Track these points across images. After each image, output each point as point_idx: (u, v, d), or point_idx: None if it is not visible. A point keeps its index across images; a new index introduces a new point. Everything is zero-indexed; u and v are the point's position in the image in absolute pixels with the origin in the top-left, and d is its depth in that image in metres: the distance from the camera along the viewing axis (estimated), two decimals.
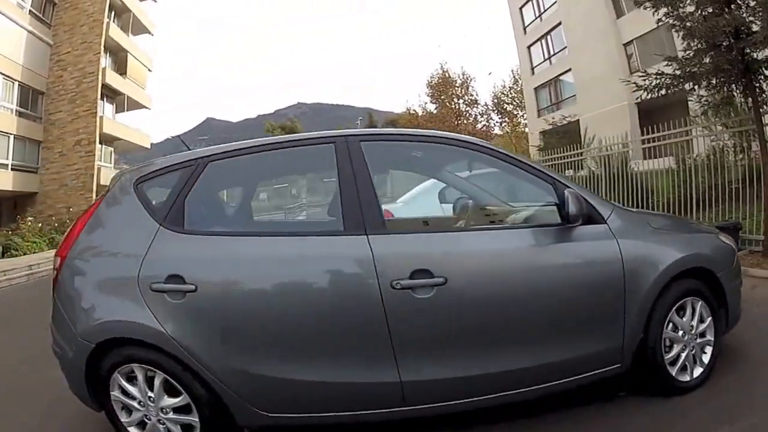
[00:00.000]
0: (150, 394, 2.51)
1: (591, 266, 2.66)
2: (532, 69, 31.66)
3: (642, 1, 7.99)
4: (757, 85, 6.79)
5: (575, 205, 2.55)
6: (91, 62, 23.75)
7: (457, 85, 38.15)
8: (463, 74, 38.19)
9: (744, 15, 6.59)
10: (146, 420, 2.57)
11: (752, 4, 6.68)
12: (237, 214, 3.24)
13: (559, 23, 27.56)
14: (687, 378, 2.84)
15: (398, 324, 2.40)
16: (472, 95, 38.23)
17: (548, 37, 29.39)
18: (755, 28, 6.53)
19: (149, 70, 31.01)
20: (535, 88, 31.47)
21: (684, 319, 2.86)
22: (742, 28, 6.54)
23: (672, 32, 17.05)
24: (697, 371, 2.88)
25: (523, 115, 36.44)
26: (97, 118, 23.97)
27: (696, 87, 7.30)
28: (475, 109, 38.40)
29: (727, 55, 6.67)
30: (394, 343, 2.41)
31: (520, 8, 31.88)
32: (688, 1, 7.27)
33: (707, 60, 6.87)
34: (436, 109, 38.77)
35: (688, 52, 7.33)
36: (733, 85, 6.99)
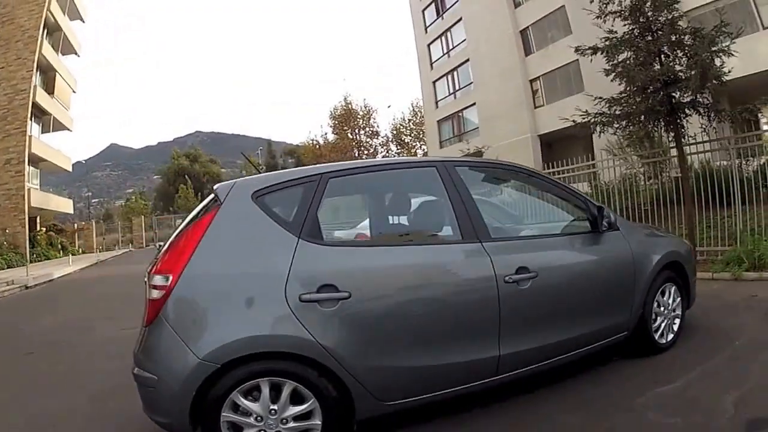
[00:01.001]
0: (273, 406, 2.55)
1: (616, 260, 3.62)
2: (437, 102, 33.66)
3: (582, 49, 9.45)
4: (680, 122, 8.43)
5: (608, 217, 3.54)
6: (24, 79, 23.54)
7: (360, 116, 39.17)
8: (365, 106, 39.51)
9: (674, 66, 8.20)
10: None
11: (680, 54, 8.29)
12: (361, 226, 3.42)
13: (467, 60, 29.89)
14: (664, 341, 3.91)
15: (506, 309, 2.96)
16: (373, 126, 39.55)
17: (455, 72, 31.65)
18: (682, 76, 7.96)
19: (74, 91, 30.51)
20: (438, 121, 33.39)
21: (664, 298, 3.93)
22: (671, 75, 8.05)
23: (579, 71, 20.14)
24: (670, 336, 3.96)
25: (420, 147, 38.33)
26: (27, 137, 23.35)
27: (630, 124, 8.86)
28: (376, 140, 39.66)
29: (658, 98, 8.14)
30: (502, 324, 2.96)
31: (428, 45, 34.06)
32: (622, 50, 8.82)
33: (639, 100, 8.33)
34: (335, 140, 39.42)
35: (622, 93, 8.77)
36: (661, 122, 8.59)
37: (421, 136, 38.20)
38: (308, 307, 2.57)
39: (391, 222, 3.45)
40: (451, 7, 32.08)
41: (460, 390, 2.93)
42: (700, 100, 8.15)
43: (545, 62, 24.88)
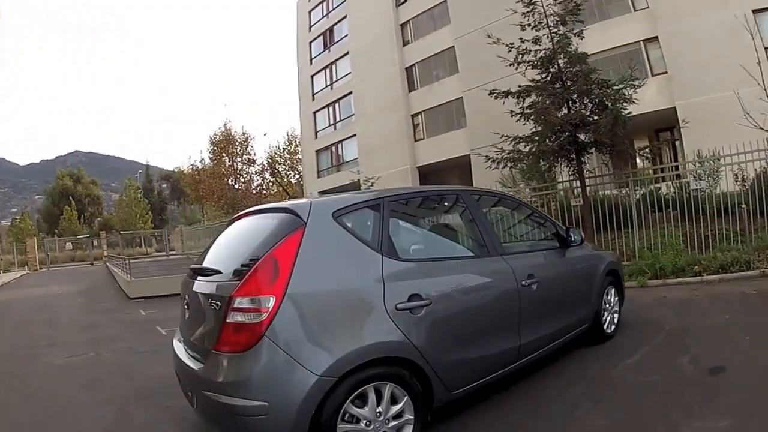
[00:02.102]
0: (378, 409, 2.77)
1: (583, 268, 4.69)
2: (316, 133, 33.25)
3: (495, 92, 10.70)
4: (582, 159, 10.11)
5: (577, 235, 4.62)
6: None
7: (238, 143, 38.41)
8: (243, 133, 38.70)
9: (583, 112, 9.68)
10: None
11: (587, 101, 9.84)
12: (419, 243, 3.72)
13: (350, 93, 29.96)
14: (609, 331, 4.95)
15: (523, 306, 3.70)
16: (249, 154, 38.71)
17: (337, 104, 31.55)
18: (590, 120, 9.50)
19: None
20: (317, 151, 32.98)
21: (608, 297, 4.98)
22: (581, 120, 9.46)
23: (463, 108, 21.06)
24: (612, 327, 5.02)
25: (294, 176, 38.26)
26: None
27: (541, 160, 10.39)
28: (252, 168, 38.82)
29: (569, 139, 9.63)
30: (521, 319, 3.69)
31: (312, 76, 33.83)
32: (531, 95, 10.29)
33: (552, 141, 9.78)
34: (209, 166, 38.37)
35: (534, 134, 10.15)
36: (562, 160, 10.14)
37: (294, 165, 37.72)
38: (403, 315, 2.93)
39: (439, 240, 4.01)
40: (339, 40, 32.30)
41: (497, 375, 3.55)
42: (605, 140, 9.36)
43: (429, 98, 25.69)
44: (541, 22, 10.61)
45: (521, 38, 10.72)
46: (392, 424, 2.82)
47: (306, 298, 2.67)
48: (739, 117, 9.30)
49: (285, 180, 38.04)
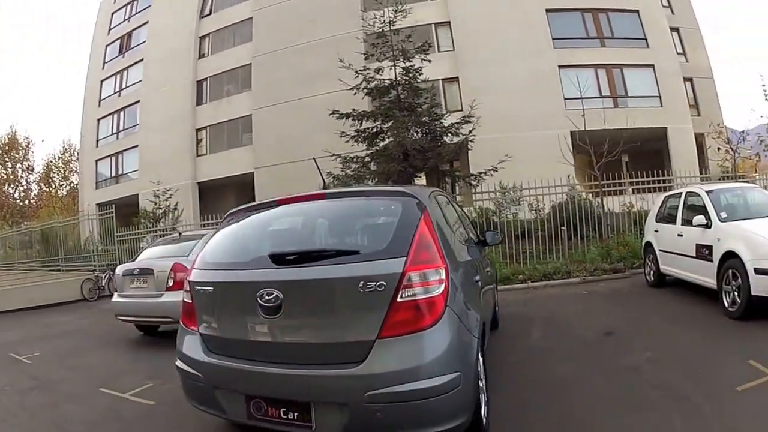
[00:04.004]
0: None
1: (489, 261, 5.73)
2: (98, 141, 29.99)
3: (339, 113, 11.59)
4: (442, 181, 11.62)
5: (493, 237, 5.15)
6: None
7: (22, 147, 34.36)
8: (25, 138, 34.79)
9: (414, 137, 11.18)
10: None
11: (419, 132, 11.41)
12: (453, 239, 3.56)
13: (137, 101, 27.48)
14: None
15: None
16: (29, 160, 34.62)
17: (122, 112, 28.75)
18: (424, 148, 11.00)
19: None
20: (97, 160, 29.68)
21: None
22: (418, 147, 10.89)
23: (250, 126, 25.75)
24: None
25: (65, 187, 34.88)
26: None
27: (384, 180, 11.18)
28: (31, 176, 34.73)
29: (402, 165, 10.90)
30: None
31: (102, 81, 30.68)
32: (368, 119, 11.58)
33: (392, 164, 10.83)
34: None
35: (374, 156, 11.44)
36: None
37: (67, 175, 33.80)
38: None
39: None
40: (136, 46, 29.69)
41: None
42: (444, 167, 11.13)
43: (216, 114, 24.78)
44: (386, 56, 11.64)
45: (364, 66, 11.71)
46: None
47: (453, 268, 2.86)
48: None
49: (54, 190, 34.19)
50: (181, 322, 3.31)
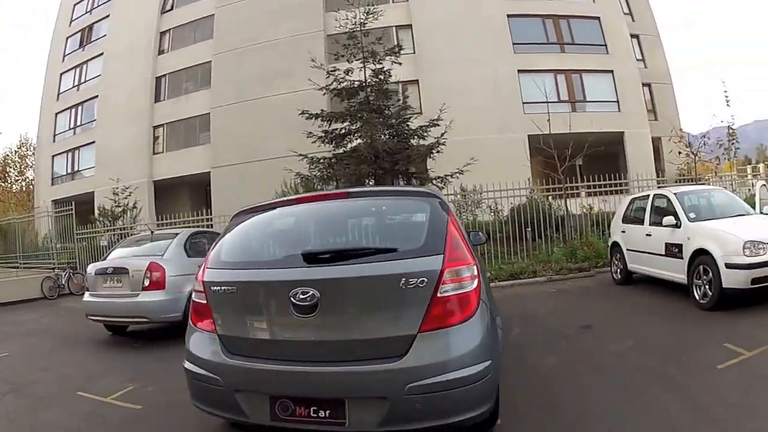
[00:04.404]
0: None
1: None
2: (54, 136, 29.16)
3: (309, 113, 11.65)
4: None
5: (477, 237, 4.61)
6: None
7: None
8: None
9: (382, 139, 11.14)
10: None
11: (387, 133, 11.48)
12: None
13: (96, 96, 26.78)
14: None
15: None
16: None
17: (81, 107, 27.98)
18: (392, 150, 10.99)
19: None
20: (54, 156, 28.87)
21: None
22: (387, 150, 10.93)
23: (208, 124, 24.35)
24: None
25: (21, 181, 34.14)
26: None
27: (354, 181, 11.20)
28: None
29: (372, 167, 10.98)
30: None
31: (61, 74, 29.80)
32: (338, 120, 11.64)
33: (363, 166, 10.86)
34: None
35: (342, 157, 11.48)
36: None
37: (21, 169, 33.17)
38: None
39: None
40: (96, 40, 28.90)
41: None
42: (412, 169, 11.27)
43: (174, 111, 24.26)
44: (356, 57, 11.63)
45: (334, 66, 11.74)
46: None
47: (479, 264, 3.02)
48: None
49: (11, 186, 33.33)
50: (190, 323, 3.23)
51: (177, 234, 7.68)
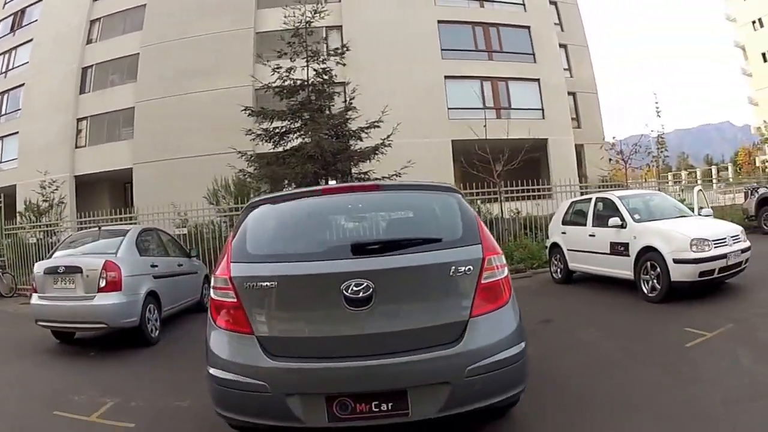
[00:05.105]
0: None
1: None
2: None
3: (250, 109, 11.82)
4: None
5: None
6: None
7: None
8: None
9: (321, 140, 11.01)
10: None
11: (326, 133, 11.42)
12: None
13: (23, 84, 25.77)
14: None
15: None
16: None
17: (6, 95, 26.89)
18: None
19: None
20: None
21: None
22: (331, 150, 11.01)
23: (132, 119, 23.61)
24: None
25: None
26: None
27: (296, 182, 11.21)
28: None
29: (316, 166, 10.92)
30: None
31: None
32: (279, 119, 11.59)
33: (308, 165, 10.79)
34: None
35: (287, 156, 11.33)
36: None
37: None
38: None
39: None
40: (27, 25, 27.73)
41: None
42: (345, 169, 11.38)
43: (99, 104, 23.55)
44: (300, 55, 11.60)
45: (278, 64, 11.50)
46: None
47: None
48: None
49: None
50: (212, 324, 2.99)
51: (127, 230, 7.26)
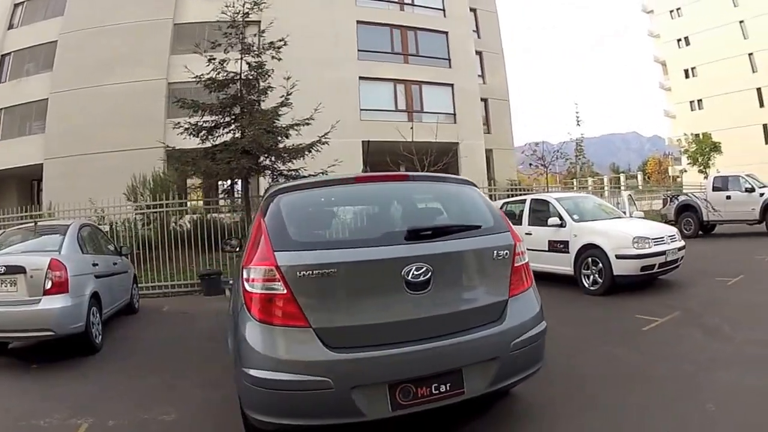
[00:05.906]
0: None
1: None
2: None
3: (180, 101, 11.39)
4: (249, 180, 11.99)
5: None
6: None
7: None
8: None
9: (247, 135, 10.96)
10: None
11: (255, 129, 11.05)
12: None
13: None
14: None
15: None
16: None
17: None
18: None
19: None
20: None
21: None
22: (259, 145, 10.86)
23: (45, 112, 21.67)
24: None
25: None
26: None
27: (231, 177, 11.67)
28: None
29: (250, 162, 10.92)
30: None
31: None
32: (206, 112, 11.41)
33: (243, 161, 10.65)
34: None
35: (218, 151, 10.95)
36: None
37: None
38: None
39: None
40: None
41: None
42: (275, 165, 11.42)
43: (12, 95, 22.50)
44: (233, 46, 11.43)
45: (212, 56, 11.27)
46: None
47: None
48: None
49: None
50: (258, 322, 2.71)
51: (67, 226, 6.64)
